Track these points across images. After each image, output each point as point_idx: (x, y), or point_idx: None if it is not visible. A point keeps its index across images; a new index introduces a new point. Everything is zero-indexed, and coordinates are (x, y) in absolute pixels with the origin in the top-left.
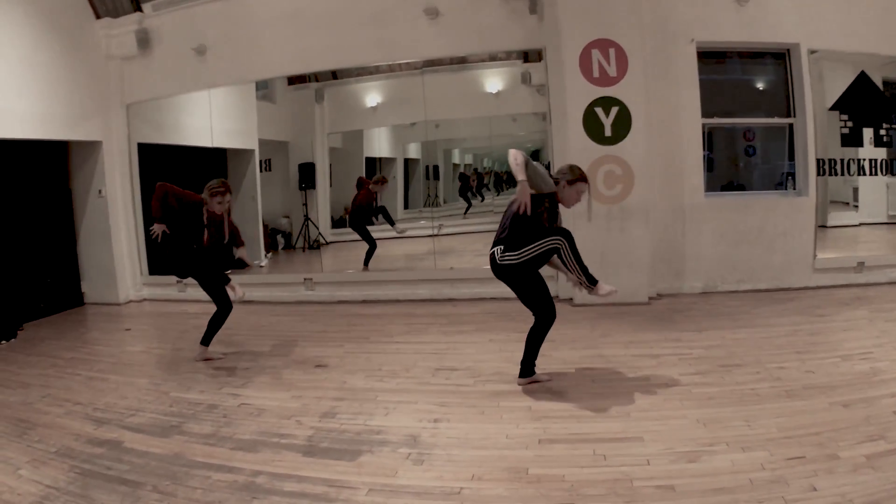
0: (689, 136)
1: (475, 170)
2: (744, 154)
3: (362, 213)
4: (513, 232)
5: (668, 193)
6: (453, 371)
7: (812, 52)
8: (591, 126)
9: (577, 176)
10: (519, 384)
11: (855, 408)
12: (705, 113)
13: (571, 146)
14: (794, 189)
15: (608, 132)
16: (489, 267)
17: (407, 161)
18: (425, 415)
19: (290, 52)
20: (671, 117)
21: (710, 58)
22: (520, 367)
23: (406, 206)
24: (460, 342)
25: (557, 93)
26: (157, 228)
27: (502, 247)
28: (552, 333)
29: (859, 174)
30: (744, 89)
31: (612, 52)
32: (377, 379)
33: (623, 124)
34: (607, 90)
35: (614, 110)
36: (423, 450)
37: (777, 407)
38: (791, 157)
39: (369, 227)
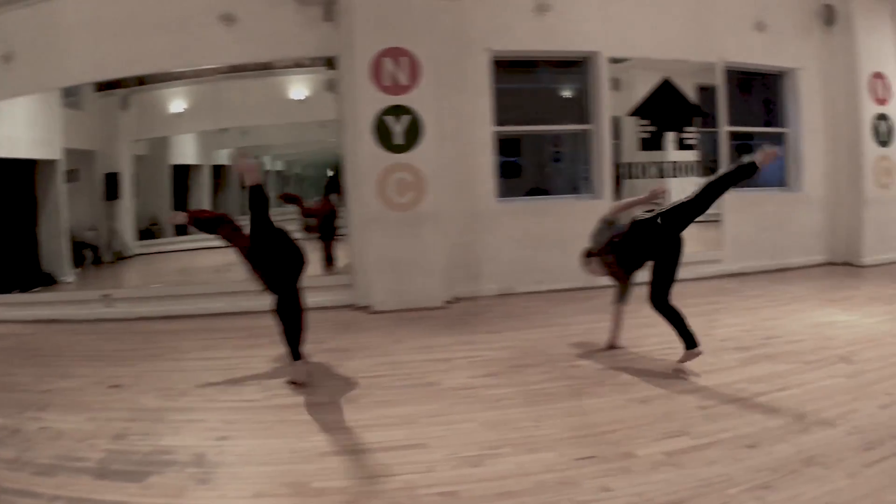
0: (482, 143)
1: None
2: (552, 160)
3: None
4: None
5: (461, 199)
6: (243, 386)
7: (617, 60)
8: (382, 134)
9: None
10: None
11: (654, 403)
12: (512, 120)
13: (362, 154)
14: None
15: (399, 140)
16: None
17: (218, 168)
18: (212, 433)
19: (91, 58)
20: (464, 125)
21: (520, 66)
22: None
23: None
24: (253, 356)
25: (350, 100)
26: None
27: None
28: (346, 342)
29: (660, 177)
30: (552, 96)
31: (404, 60)
32: (168, 398)
33: (414, 132)
34: (398, 98)
35: (405, 119)
36: (208, 469)
37: (568, 406)
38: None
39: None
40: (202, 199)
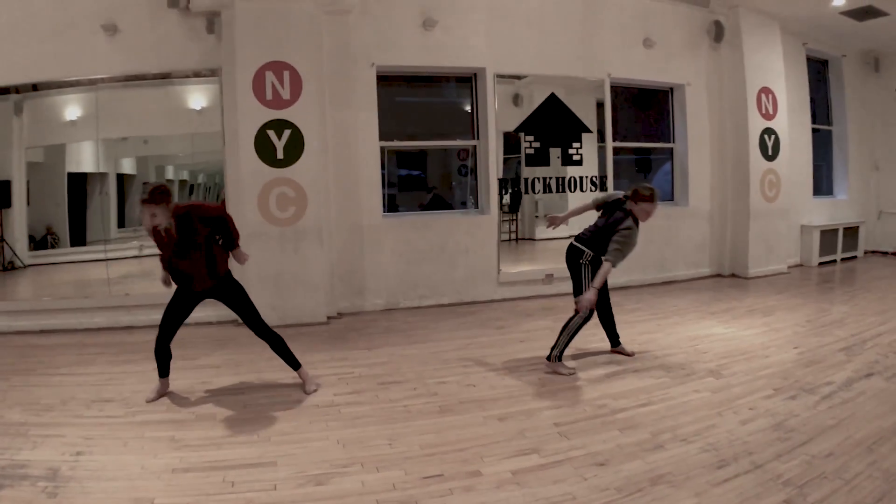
0: (367, 158)
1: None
2: (457, 173)
3: None
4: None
5: (346, 214)
6: (108, 403)
7: (517, 77)
8: (263, 148)
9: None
10: (546, 367)
11: (512, 421)
12: (415, 134)
13: (243, 168)
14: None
15: (280, 155)
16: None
17: (122, 177)
18: (69, 448)
19: None
20: (349, 140)
21: (423, 80)
22: (550, 350)
23: (122, 225)
24: (125, 372)
25: (231, 114)
26: None
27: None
28: (219, 359)
29: (545, 192)
30: (453, 110)
31: (286, 74)
32: (33, 413)
33: (295, 147)
34: (280, 113)
35: (287, 133)
36: (59, 483)
37: (426, 423)
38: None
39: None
40: (102, 208)
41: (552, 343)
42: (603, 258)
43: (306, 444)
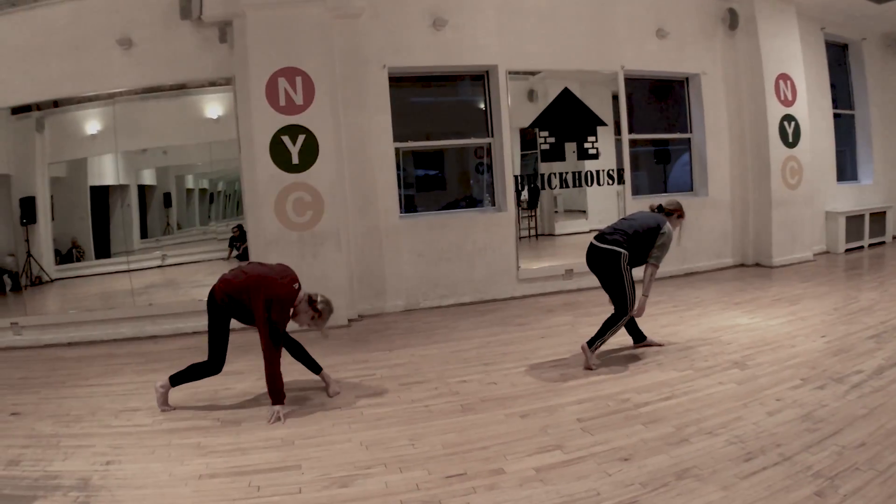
0: (382, 159)
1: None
2: (475, 172)
3: None
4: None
5: (364, 216)
6: (136, 412)
7: (531, 72)
8: (279, 154)
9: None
10: (582, 347)
11: (534, 418)
12: (422, 135)
13: (260, 174)
14: (494, 205)
15: (296, 160)
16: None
17: (143, 188)
18: (99, 457)
19: None
20: (364, 142)
21: (440, 80)
22: (594, 338)
23: (144, 236)
24: (151, 381)
25: (246, 121)
26: None
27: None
28: (242, 365)
29: (562, 186)
30: (470, 108)
31: (298, 80)
32: (63, 424)
33: (310, 152)
34: (294, 118)
35: (301, 138)
36: (91, 492)
37: (448, 423)
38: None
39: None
40: (125, 219)
41: (594, 333)
42: (649, 261)
43: (330, 447)
